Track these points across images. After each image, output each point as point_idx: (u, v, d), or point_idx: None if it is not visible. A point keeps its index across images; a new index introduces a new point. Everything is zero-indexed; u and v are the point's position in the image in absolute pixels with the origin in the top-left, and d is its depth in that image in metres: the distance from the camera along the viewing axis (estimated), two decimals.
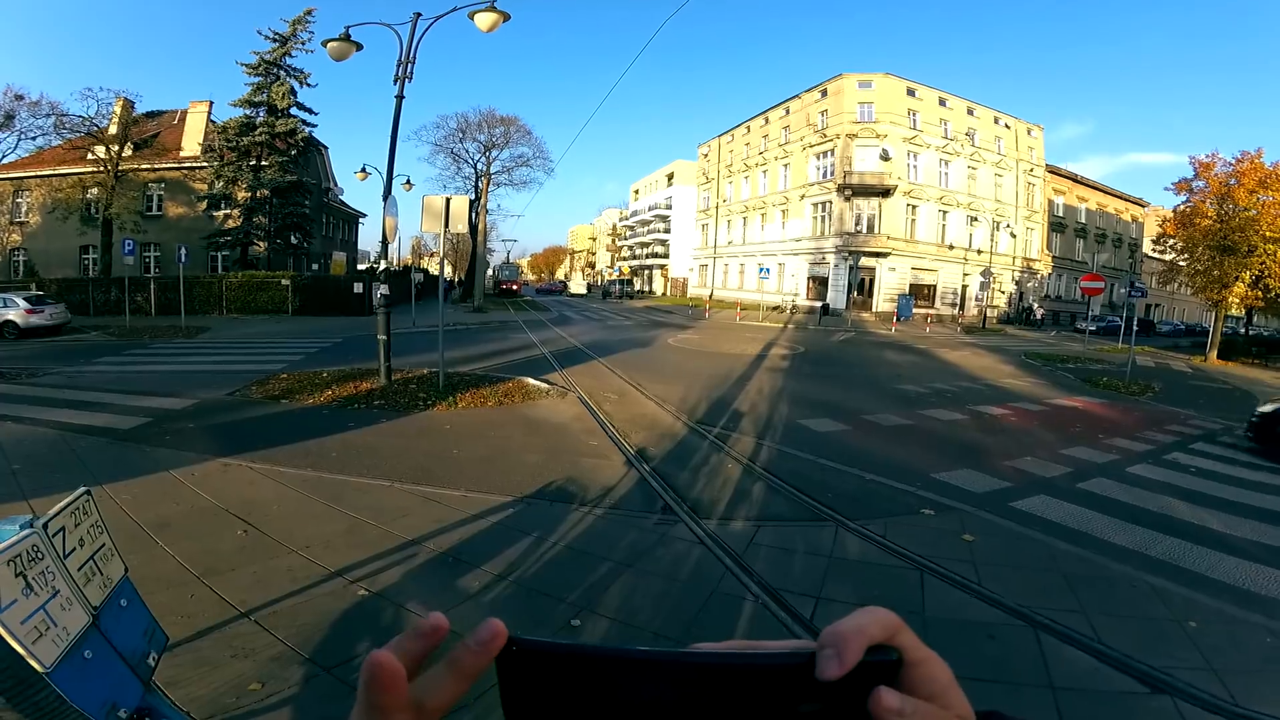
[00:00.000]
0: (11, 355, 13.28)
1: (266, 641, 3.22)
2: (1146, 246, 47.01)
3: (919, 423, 9.71)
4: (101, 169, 26.99)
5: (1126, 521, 5.67)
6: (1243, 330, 32.35)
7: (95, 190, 27.64)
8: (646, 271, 71.22)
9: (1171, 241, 26.28)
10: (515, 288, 51.27)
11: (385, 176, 10.89)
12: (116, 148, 27.09)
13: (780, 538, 4.97)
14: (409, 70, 10.32)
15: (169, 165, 30.91)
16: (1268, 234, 22.01)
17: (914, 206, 39.04)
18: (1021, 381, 15.27)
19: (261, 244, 30.69)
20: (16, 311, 17.36)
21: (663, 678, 0.36)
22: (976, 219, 40.63)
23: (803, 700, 0.35)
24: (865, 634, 0.36)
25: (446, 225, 10.14)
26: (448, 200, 10.20)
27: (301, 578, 3.90)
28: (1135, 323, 16.69)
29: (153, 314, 23.92)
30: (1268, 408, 9.65)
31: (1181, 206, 25.60)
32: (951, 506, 5.92)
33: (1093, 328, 25.48)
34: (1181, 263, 26.17)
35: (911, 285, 38.72)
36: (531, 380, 11.19)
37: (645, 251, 71.42)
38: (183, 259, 21.08)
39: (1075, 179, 48.96)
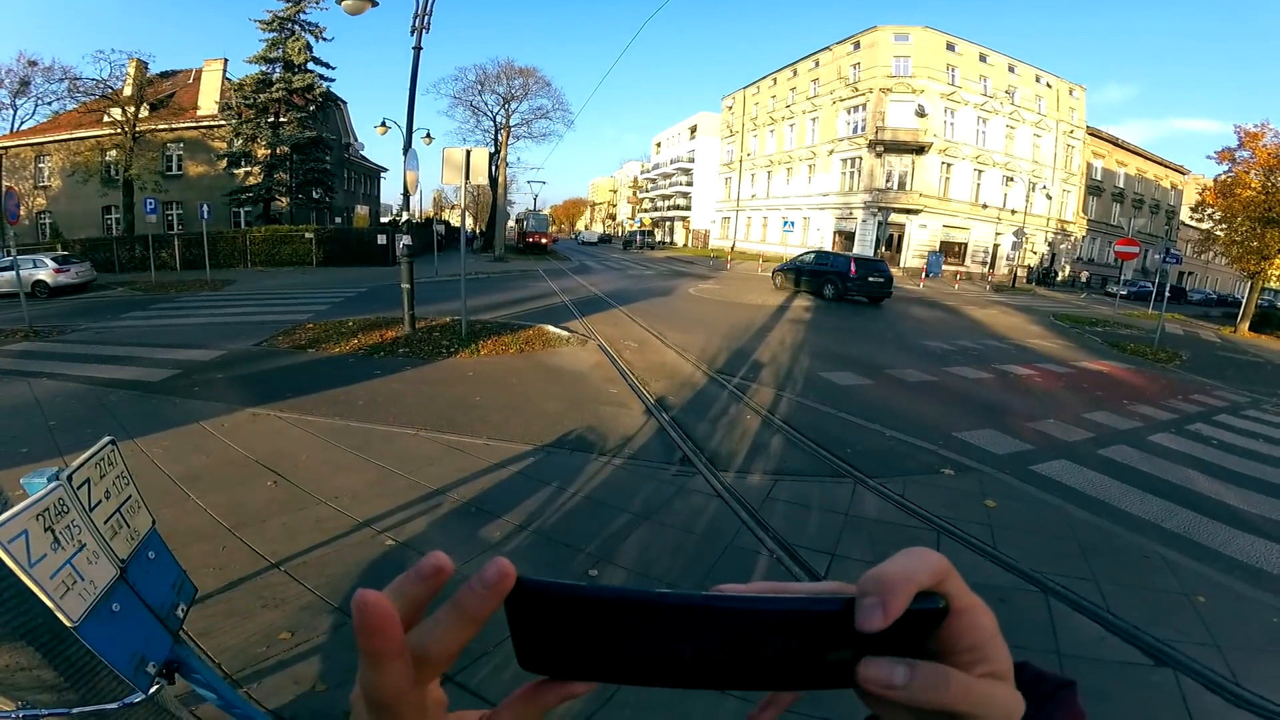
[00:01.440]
0: (44, 314, 13.53)
1: (296, 591, 3.31)
2: (1184, 214, 45.53)
3: (943, 380, 9.61)
4: (119, 131, 27.10)
5: (1145, 491, 5.61)
6: None
7: (114, 152, 27.88)
8: (668, 223, 70.38)
9: (1210, 210, 25.38)
10: (545, 241, 41.17)
11: (405, 130, 10.79)
12: (132, 109, 27.15)
13: (797, 493, 4.98)
14: (426, 21, 10.11)
15: (187, 125, 30.90)
16: None
17: (949, 164, 37.86)
18: (1048, 342, 15.02)
19: (284, 199, 30.76)
20: (46, 271, 17.76)
21: (683, 622, 0.33)
22: (1013, 179, 39.53)
23: (833, 648, 0.33)
24: (913, 581, 0.32)
25: (467, 177, 10.08)
26: (468, 153, 10.11)
27: (331, 528, 3.99)
28: (1167, 289, 16.19)
29: (178, 269, 24.19)
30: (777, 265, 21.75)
31: (1223, 176, 24.69)
32: (972, 467, 5.89)
33: (1124, 292, 24.88)
34: (1219, 232, 25.34)
35: (942, 243, 37.96)
36: (552, 328, 11.25)
37: (667, 204, 70.48)
38: (205, 216, 21.27)
39: (1115, 143, 47.29)
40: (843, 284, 19.36)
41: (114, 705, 1.41)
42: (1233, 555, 4.52)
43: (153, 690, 1.44)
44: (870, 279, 19.27)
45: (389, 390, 7.43)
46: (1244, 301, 25.19)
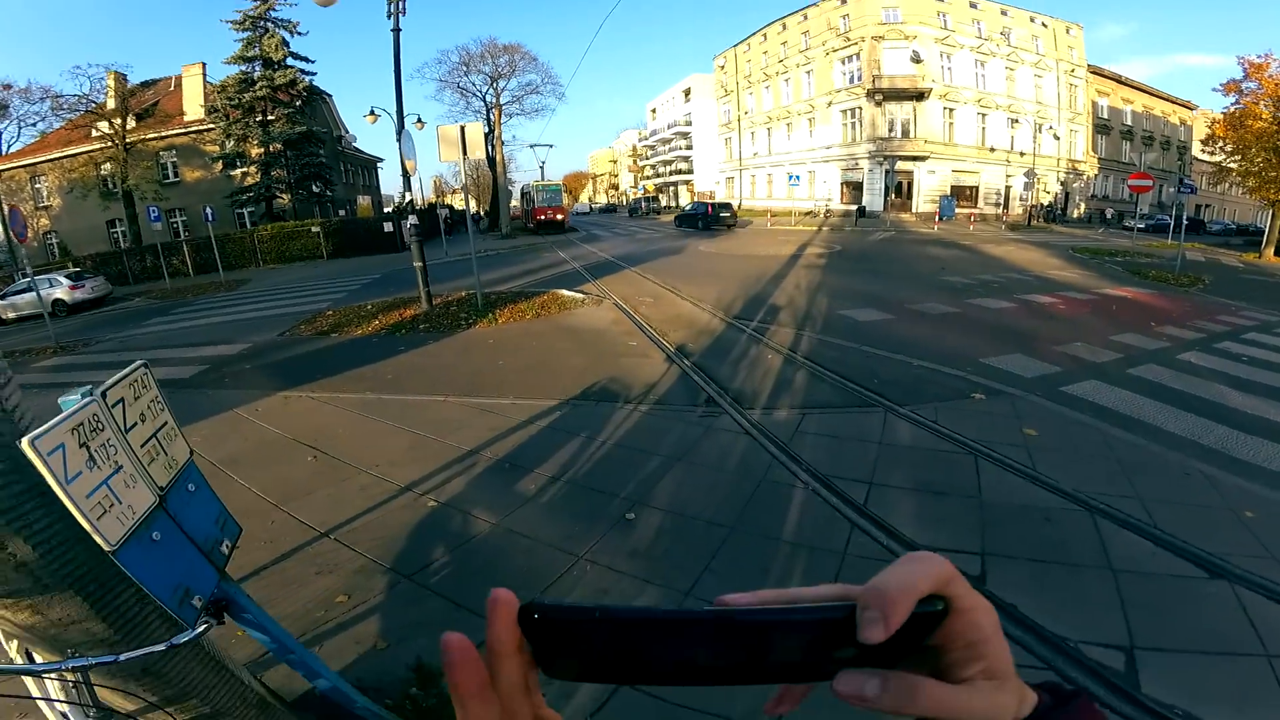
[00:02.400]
0: (67, 330, 13.67)
1: (348, 556, 3.34)
2: (1196, 149, 44.21)
3: (966, 311, 9.49)
4: (109, 144, 27.06)
5: (1179, 409, 5.50)
6: None
7: (108, 165, 27.84)
8: (672, 189, 69.54)
9: (1222, 143, 24.70)
10: (560, 217, 34.01)
11: (396, 116, 10.72)
12: (119, 121, 27.10)
13: (827, 425, 4.94)
14: (401, 5, 9.94)
15: (176, 131, 30.92)
16: None
17: (951, 109, 36.97)
18: (1069, 273, 14.78)
19: (285, 196, 30.81)
20: (62, 289, 17.88)
21: (693, 636, 0.35)
22: (1018, 121, 38.59)
23: (837, 648, 0.34)
24: (914, 592, 0.33)
25: (465, 153, 9.96)
26: (462, 128, 9.98)
27: (375, 495, 4.02)
28: (1185, 219, 15.78)
29: (191, 274, 24.34)
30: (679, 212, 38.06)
31: (1231, 108, 23.97)
32: (1002, 390, 5.82)
33: (1141, 225, 24.30)
34: (1232, 165, 24.67)
35: (953, 187, 37.19)
36: (566, 291, 11.29)
37: (669, 169, 69.50)
38: (210, 218, 21.34)
39: (1119, 80, 45.86)
40: (705, 220, 30.92)
41: (161, 646, 1.35)
42: (1277, 470, 4.36)
43: (200, 629, 1.37)
44: (721, 215, 31.30)
45: (414, 363, 7.49)
46: (1267, 228, 24.54)
